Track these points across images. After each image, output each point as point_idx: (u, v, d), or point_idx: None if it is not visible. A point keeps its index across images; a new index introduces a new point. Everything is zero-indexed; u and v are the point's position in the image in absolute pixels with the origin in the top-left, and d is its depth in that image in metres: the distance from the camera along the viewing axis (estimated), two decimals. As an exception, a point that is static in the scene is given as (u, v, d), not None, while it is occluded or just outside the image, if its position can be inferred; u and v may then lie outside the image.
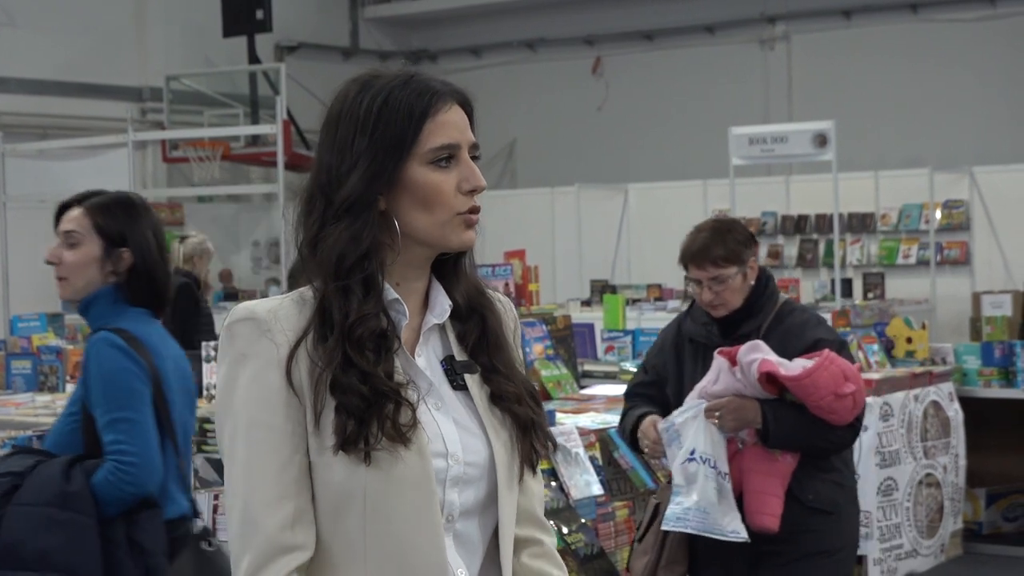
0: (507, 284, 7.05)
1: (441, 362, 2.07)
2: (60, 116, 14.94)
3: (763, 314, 4.32)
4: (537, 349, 6.65)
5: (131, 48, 16.12)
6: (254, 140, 15.50)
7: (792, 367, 4.08)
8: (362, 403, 1.92)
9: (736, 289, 4.28)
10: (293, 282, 2.08)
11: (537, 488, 2.17)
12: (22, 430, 5.30)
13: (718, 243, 4.28)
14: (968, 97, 15.44)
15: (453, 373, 2.06)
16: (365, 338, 1.95)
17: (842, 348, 4.24)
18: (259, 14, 15.70)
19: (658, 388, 4.46)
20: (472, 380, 2.07)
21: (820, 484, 4.26)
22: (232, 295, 14.31)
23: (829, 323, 4.52)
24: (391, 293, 2.01)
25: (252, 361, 1.96)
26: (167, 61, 16.20)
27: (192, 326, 9.23)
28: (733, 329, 4.32)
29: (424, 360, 2.05)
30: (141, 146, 14.75)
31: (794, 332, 4.27)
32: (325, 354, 1.94)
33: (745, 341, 4.23)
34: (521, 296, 7.54)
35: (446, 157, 2.00)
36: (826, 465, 4.28)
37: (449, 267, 2.08)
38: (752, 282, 4.33)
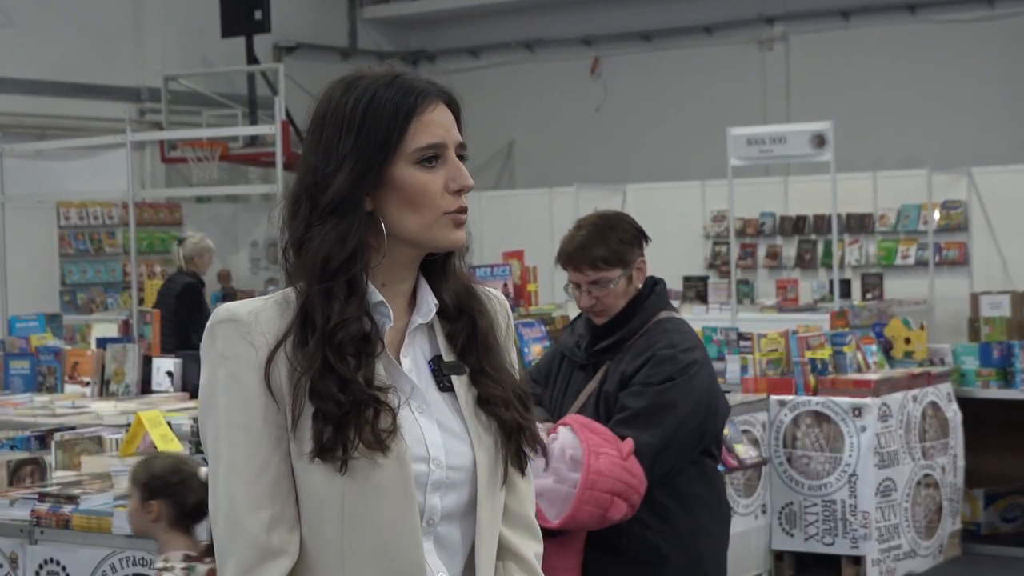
0: (506, 284, 7.05)
1: (429, 362, 2.05)
2: (58, 116, 14.93)
3: (628, 329, 3.77)
4: (536, 349, 6.65)
5: (129, 48, 16.12)
6: (252, 140, 15.49)
7: (558, 495, 3.53)
8: (339, 410, 1.91)
9: (620, 294, 3.79)
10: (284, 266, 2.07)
11: (527, 489, 2.16)
12: (20, 430, 5.30)
13: (598, 242, 3.82)
14: (966, 98, 15.44)
15: (440, 374, 2.05)
16: (346, 343, 1.94)
17: (684, 373, 3.65)
18: (257, 14, 15.69)
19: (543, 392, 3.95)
20: (459, 382, 2.05)
21: (637, 527, 3.63)
22: (230, 295, 14.30)
23: (695, 340, 3.82)
24: (376, 295, 2.00)
25: (232, 363, 1.96)
26: (165, 61, 16.20)
27: (194, 326, 9.24)
28: (597, 344, 3.81)
29: (410, 361, 2.04)
30: (139, 146, 14.75)
31: (640, 349, 3.73)
32: (305, 359, 1.94)
33: (604, 358, 3.78)
34: (520, 296, 7.54)
35: (432, 156, 1.99)
36: (651, 506, 3.63)
37: (438, 266, 2.07)
38: (639, 285, 3.81)
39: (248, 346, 1.95)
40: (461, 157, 2.03)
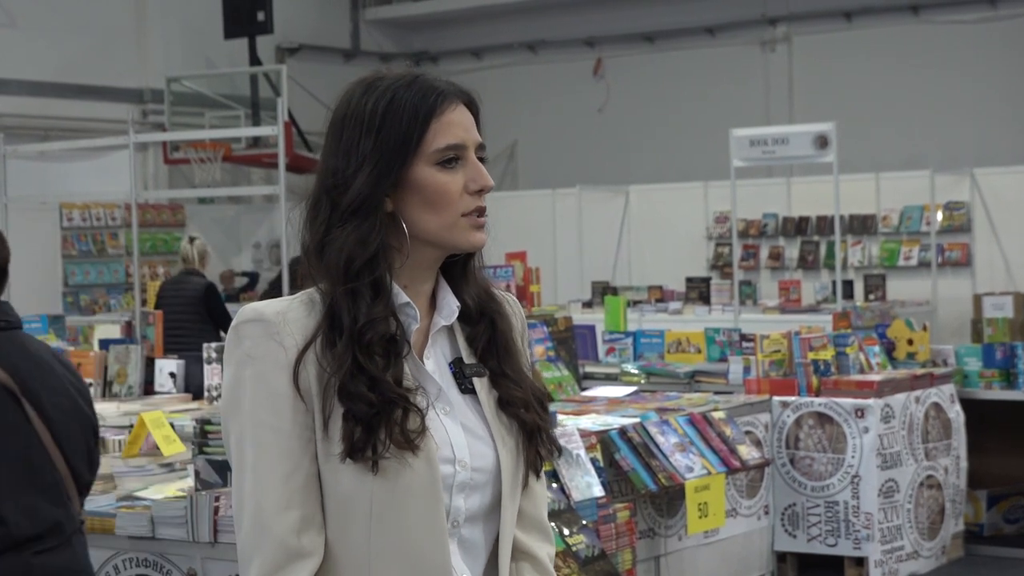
0: (508, 285, 7.05)
1: (449, 364, 2.05)
2: (61, 118, 14.95)
3: None
4: (538, 351, 6.66)
5: (132, 50, 16.13)
6: (255, 142, 15.50)
7: None
8: (370, 410, 1.91)
9: None
10: (294, 274, 2.07)
11: (541, 492, 2.16)
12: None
13: None
14: (969, 98, 15.44)
15: (461, 376, 2.04)
16: (374, 343, 1.93)
17: None
18: (260, 16, 15.70)
19: None
20: (480, 384, 2.05)
21: None
22: (233, 297, 14.31)
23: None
24: (402, 296, 1.99)
25: (259, 363, 1.94)
26: (168, 63, 16.21)
27: (226, 326, 9.22)
28: None
29: (432, 363, 2.03)
30: (142, 148, 14.77)
31: None
32: (334, 360, 1.92)
33: None
34: (522, 298, 7.55)
35: (452, 157, 1.99)
36: None
37: (458, 269, 2.07)
38: None
39: (277, 346, 1.94)
40: (481, 158, 2.03)
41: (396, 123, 1.97)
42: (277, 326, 1.95)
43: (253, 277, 15.59)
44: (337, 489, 1.95)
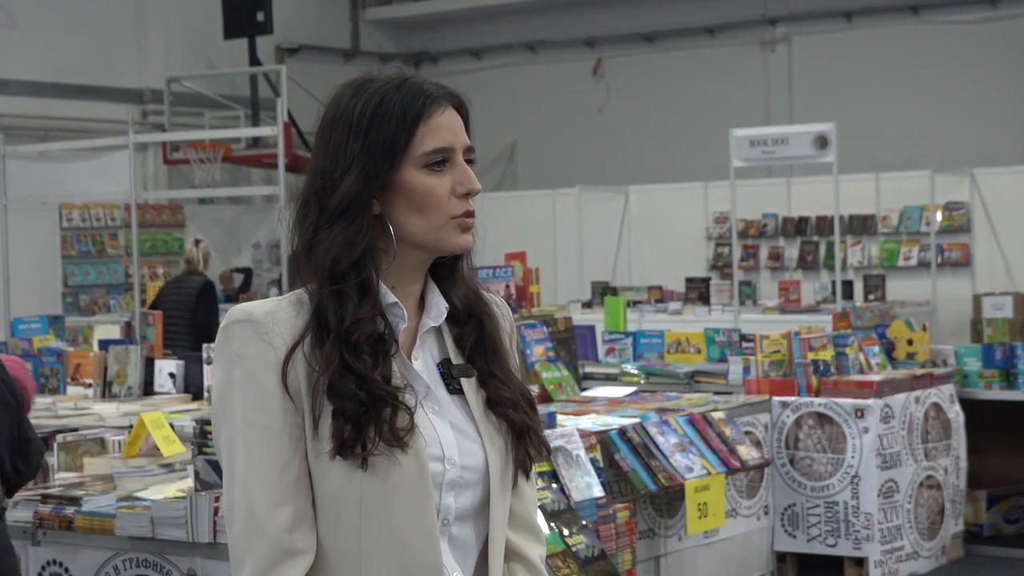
0: (508, 286, 7.05)
1: (437, 365, 2.06)
2: (61, 118, 14.94)
3: None
4: (538, 351, 6.65)
5: (132, 50, 16.13)
6: (255, 142, 15.50)
7: None
8: (359, 408, 1.92)
9: None
10: (293, 268, 2.08)
11: (531, 492, 2.17)
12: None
13: None
14: (969, 99, 15.44)
15: (449, 377, 2.05)
16: (361, 342, 1.95)
17: None
18: (260, 16, 15.70)
19: None
20: (468, 384, 2.06)
21: None
22: (233, 297, 14.31)
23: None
24: (389, 296, 2.00)
25: (249, 363, 1.95)
26: (168, 63, 16.21)
27: (216, 324, 9.31)
28: None
29: (421, 363, 2.04)
30: (142, 148, 14.76)
31: None
32: (322, 359, 1.94)
33: None
34: (522, 298, 7.54)
35: (440, 161, 2.00)
36: None
37: (447, 270, 2.08)
38: None
39: (266, 346, 1.95)
40: (470, 161, 2.04)
41: (384, 126, 1.98)
42: (266, 326, 1.96)
43: (247, 273, 15.59)
44: (327, 487, 1.96)
